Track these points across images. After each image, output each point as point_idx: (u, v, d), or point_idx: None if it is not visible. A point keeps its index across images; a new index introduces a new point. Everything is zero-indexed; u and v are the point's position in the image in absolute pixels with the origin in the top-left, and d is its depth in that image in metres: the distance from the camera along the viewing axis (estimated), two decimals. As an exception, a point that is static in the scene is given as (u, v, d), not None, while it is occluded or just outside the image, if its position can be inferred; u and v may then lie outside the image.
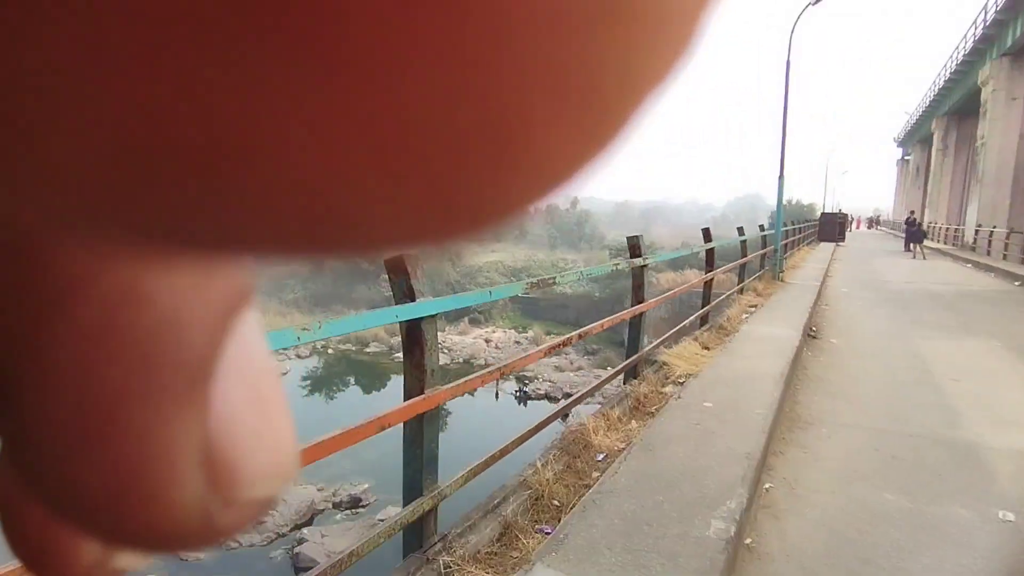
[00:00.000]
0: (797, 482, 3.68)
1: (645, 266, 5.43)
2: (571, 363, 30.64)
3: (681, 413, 4.15)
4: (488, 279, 40.14)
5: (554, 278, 3.58)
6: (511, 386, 28.00)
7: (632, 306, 5.55)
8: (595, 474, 3.48)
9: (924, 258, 20.89)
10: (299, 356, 32.35)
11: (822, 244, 24.85)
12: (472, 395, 26.84)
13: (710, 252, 8.80)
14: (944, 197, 34.06)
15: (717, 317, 8.40)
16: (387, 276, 2.67)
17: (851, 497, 3.54)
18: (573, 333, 4.33)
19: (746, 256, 11.56)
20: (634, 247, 5.49)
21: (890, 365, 6.76)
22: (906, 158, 50.31)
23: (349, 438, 2.20)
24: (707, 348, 6.48)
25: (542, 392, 26.29)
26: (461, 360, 31.65)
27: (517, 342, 34.53)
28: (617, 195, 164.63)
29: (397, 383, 21.40)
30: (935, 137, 36.12)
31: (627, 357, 5.79)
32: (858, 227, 52.48)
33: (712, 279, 8.76)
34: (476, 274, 40.44)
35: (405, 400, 2.74)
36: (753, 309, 9.16)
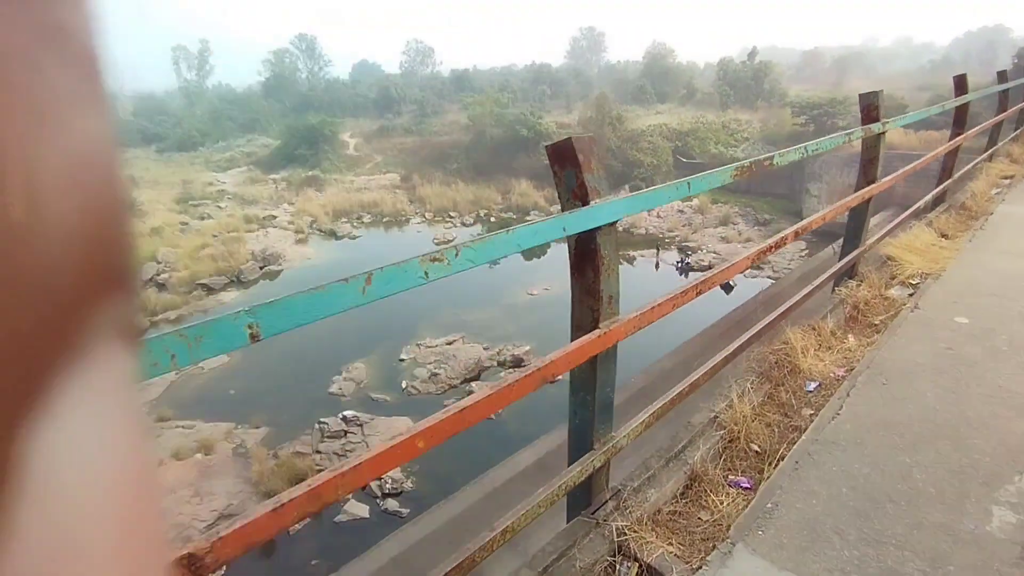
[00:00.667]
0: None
1: (883, 134, 3.96)
2: (739, 233, 28.41)
3: (922, 331, 3.06)
4: (651, 144, 37.43)
5: (772, 158, 2.51)
6: (672, 255, 26.76)
7: (860, 188, 4.14)
8: (806, 411, 2.61)
9: None
10: (464, 224, 33.47)
11: None
12: (632, 264, 26.21)
13: (962, 108, 6.56)
14: None
15: (957, 194, 6.50)
16: (550, 167, 2.00)
17: None
18: (789, 231, 3.11)
19: (1006, 111, 8.55)
20: (870, 108, 4.05)
21: None
22: None
23: (502, 398, 1.70)
24: (945, 237, 4.95)
25: (705, 264, 24.80)
26: (621, 229, 30.47)
27: (680, 211, 32.55)
28: (804, 41, 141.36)
29: (556, 249, 21.21)
30: None
31: (843, 254, 4.34)
32: None
33: (959, 145, 6.55)
34: (639, 139, 37.82)
35: (573, 338, 2.10)
36: (1007, 182, 7.10)
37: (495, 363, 17.02)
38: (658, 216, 31.99)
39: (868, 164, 4.19)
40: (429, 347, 18.05)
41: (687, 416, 2.76)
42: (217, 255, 26.67)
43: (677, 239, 28.52)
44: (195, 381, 17.04)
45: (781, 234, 3.03)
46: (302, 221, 33.49)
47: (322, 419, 14.24)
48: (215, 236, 29.85)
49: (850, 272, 4.18)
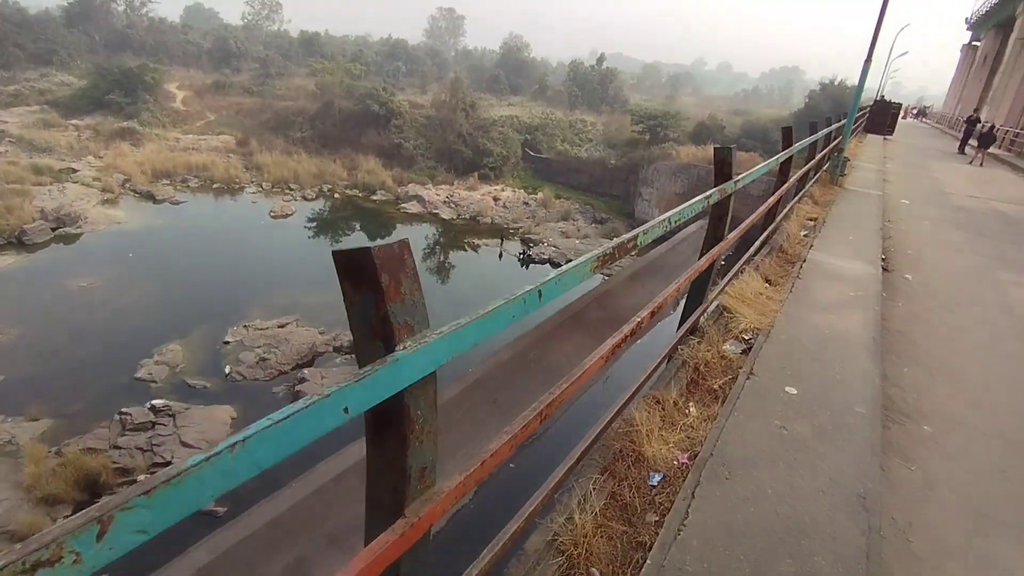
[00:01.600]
0: (913, 530, 2.66)
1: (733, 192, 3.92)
2: (578, 230, 29.94)
3: (758, 403, 3.16)
4: (502, 135, 38.01)
5: (636, 238, 2.09)
6: (515, 246, 27.50)
7: (708, 246, 4.01)
8: (651, 516, 2.46)
9: (982, 164, 18.04)
10: (305, 198, 31.51)
11: (869, 136, 21.77)
12: (476, 252, 26.49)
13: (787, 161, 6.68)
14: (1010, 94, 30.53)
15: (775, 235, 6.96)
16: (341, 288, 1.39)
17: (989, 560, 2.56)
18: (644, 312, 2.64)
19: (814, 157, 9.46)
20: (724, 164, 3.84)
21: (988, 321, 5.37)
22: (975, 44, 44.90)
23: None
24: (770, 283, 5.27)
25: (545, 257, 25.86)
26: (468, 216, 30.90)
27: (526, 203, 33.57)
28: (646, 54, 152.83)
29: (403, 232, 21.11)
30: (1017, 24, 31.50)
31: (687, 311, 4.26)
32: (903, 116, 48.61)
33: (783, 195, 6.89)
34: (490, 128, 38.21)
35: (367, 532, 1.53)
36: (812, 224, 7.73)
37: (331, 348, 16.22)
38: (504, 207, 32.68)
39: (718, 221, 4.03)
40: (259, 329, 16.67)
41: (521, 540, 2.24)
42: (-9, 210, 22.19)
43: (521, 231, 29.35)
44: (-48, 363, 14.05)
45: (640, 319, 2.64)
46: (112, 178, 29.09)
47: (124, 409, 12.49)
48: (-10, 187, 24.80)
49: (691, 328, 4.15)
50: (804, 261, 5.88)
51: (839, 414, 3.20)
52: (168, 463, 11.34)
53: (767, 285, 5.15)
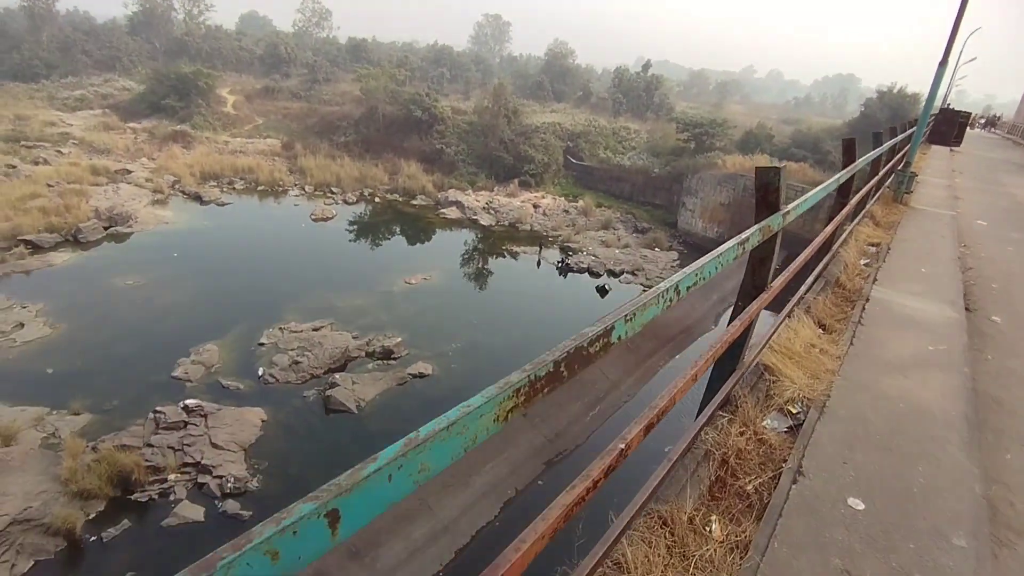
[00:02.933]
0: None
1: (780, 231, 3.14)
2: (618, 239, 29.38)
3: (809, 526, 2.31)
4: (544, 141, 37.78)
5: (659, 297, 1.71)
6: (554, 254, 27.17)
7: (747, 299, 3.23)
8: None
9: None
10: (346, 202, 31.91)
11: (933, 148, 20.20)
12: (514, 258, 26.28)
13: (848, 180, 5.74)
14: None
15: (831, 265, 5.91)
16: None
17: None
18: (659, 404, 2.06)
19: (877, 173, 8.44)
20: (768, 190, 3.10)
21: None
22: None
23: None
24: (824, 328, 4.35)
25: (584, 266, 25.44)
26: (507, 223, 30.74)
27: (566, 211, 33.20)
28: (692, 61, 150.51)
29: (442, 238, 20.96)
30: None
31: (714, 377, 3.36)
32: (971, 126, 45.92)
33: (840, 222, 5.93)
34: (532, 134, 38.02)
35: None
36: (875, 250, 6.67)
37: (363, 353, 16.20)
38: (544, 214, 32.37)
39: (759, 266, 3.19)
40: (293, 332, 16.80)
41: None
42: (50, 208, 23.17)
43: (560, 239, 29.01)
44: (1, 355, 14.60)
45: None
46: (162, 180, 30.11)
47: (159, 407, 12.70)
48: (51, 186, 25.96)
49: (721, 403, 3.26)
50: (867, 300, 4.92)
51: (928, 549, 2.27)
52: (197, 463, 11.43)
53: (821, 332, 4.23)
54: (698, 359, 2.44)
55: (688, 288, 1.99)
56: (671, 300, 1.84)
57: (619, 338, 1.61)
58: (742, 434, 2.90)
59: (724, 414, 3.09)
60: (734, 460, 2.74)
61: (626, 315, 1.64)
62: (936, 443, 2.99)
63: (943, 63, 9.26)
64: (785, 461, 2.74)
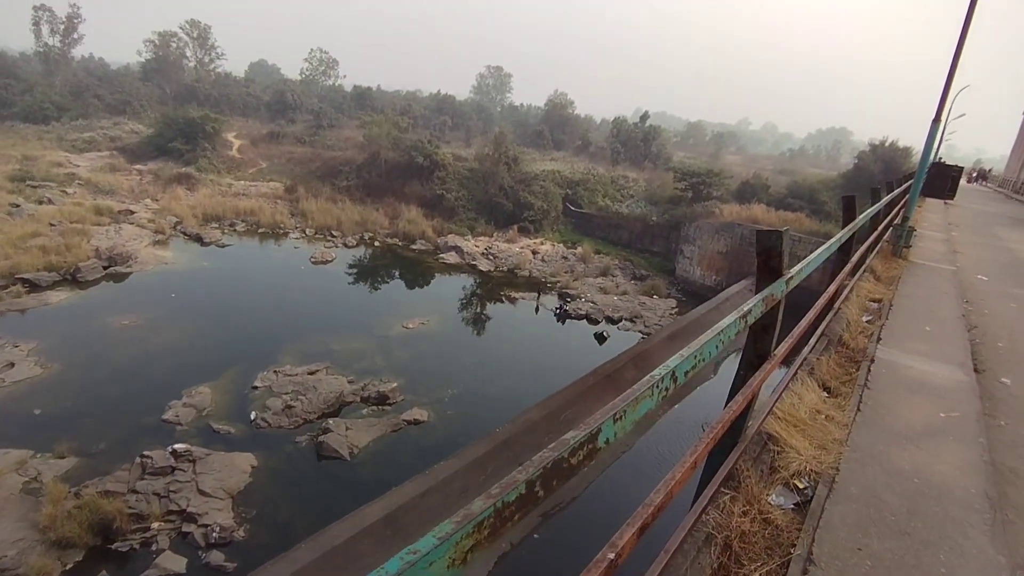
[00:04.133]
0: None
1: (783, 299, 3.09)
2: (616, 286, 29.43)
3: None
4: (543, 188, 38.34)
5: (661, 380, 1.61)
6: (552, 300, 27.13)
7: (749, 370, 3.08)
8: None
9: None
10: (346, 245, 32.10)
11: (927, 201, 20.27)
12: (512, 304, 26.27)
13: (849, 239, 5.63)
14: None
15: (832, 322, 5.80)
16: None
17: None
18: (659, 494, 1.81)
19: (876, 228, 8.23)
20: (771, 254, 2.96)
21: None
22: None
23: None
24: (829, 391, 4.22)
25: (582, 312, 25.38)
26: (505, 269, 30.84)
27: (564, 257, 33.37)
28: (690, 113, 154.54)
29: (440, 283, 20.88)
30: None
31: (712, 460, 3.19)
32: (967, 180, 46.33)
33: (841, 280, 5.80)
34: (532, 181, 38.61)
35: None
36: (877, 306, 6.59)
37: (358, 398, 15.98)
38: (543, 260, 32.54)
39: (761, 334, 3.03)
40: (288, 375, 16.61)
41: None
42: (51, 247, 23.24)
43: (558, 285, 29.05)
44: (-9, 396, 14.36)
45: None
46: (165, 221, 30.35)
47: (146, 451, 12.41)
48: (53, 225, 26.13)
49: (725, 477, 3.13)
50: (872, 361, 4.76)
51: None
52: (183, 511, 11.10)
53: (826, 396, 4.08)
54: (697, 444, 2.27)
55: (686, 374, 1.84)
56: (667, 389, 1.70)
57: (607, 442, 1.42)
58: (746, 514, 2.67)
59: (726, 491, 2.90)
60: (738, 544, 2.51)
61: (615, 414, 1.47)
62: (956, 526, 2.80)
63: (936, 120, 9.46)
64: (794, 546, 2.54)
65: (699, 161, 53.88)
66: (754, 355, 3.12)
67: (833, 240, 4.58)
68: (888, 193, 11.10)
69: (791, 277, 3.03)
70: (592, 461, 1.37)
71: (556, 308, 25.97)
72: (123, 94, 54.88)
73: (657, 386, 1.65)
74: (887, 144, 40.64)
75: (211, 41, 69.62)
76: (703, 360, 1.95)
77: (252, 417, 14.55)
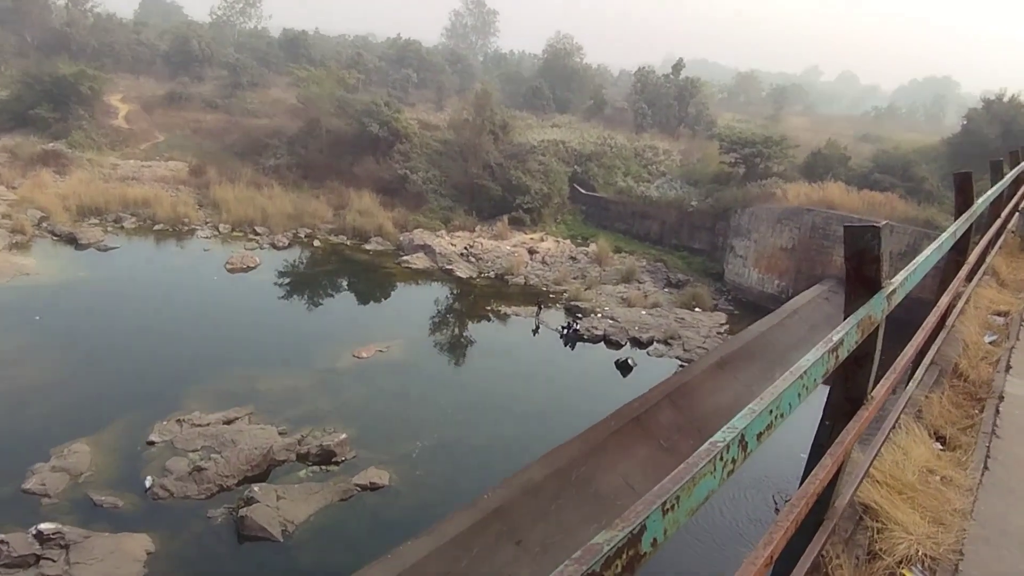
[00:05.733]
0: None
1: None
2: (644, 296, 29.56)
3: None
4: (543, 166, 38.48)
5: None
6: (557, 316, 27.20)
7: (835, 417, 3.02)
8: None
9: None
10: (275, 246, 32.10)
11: None
12: (503, 323, 26.28)
13: (967, 232, 5.48)
14: None
15: (944, 344, 5.60)
16: None
17: None
18: None
19: (999, 215, 8.18)
20: (862, 258, 2.89)
21: None
22: None
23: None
24: (943, 441, 4.11)
25: (598, 332, 25.41)
26: (493, 275, 30.90)
27: (573, 258, 33.55)
28: (740, 60, 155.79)
29: (404, 296, 20.96)
30: None
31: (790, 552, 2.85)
32: None
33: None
34: (527, 156, 38.77)
35: None
36: (1003, 321, 6.43)
37: (293, 456, 15.95)
38: (543, 262, 32.64)
39: (855, 368, 2.98)
40: (197, 425, 16.56)
41: None
42: None
43: (565, 296, 29.12)
44: None
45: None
46: (24, 216, 30.25)
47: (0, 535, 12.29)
48: None
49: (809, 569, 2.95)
50: (1001, 399, 4.54)
51: None
52: (52, 617, 10.97)
53: (940, 448, 3.93)
54: (771, 530, 2.09)
55: (759, 436, 1.75)
56: (735, 460, 1.62)
57: (654, 544, 1.31)
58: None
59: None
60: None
61: (664, 502, 1.35)
62: None
63: None
64: None
65: (753, 125, 54.33)
66: (845, 398, 3.02)
67: (946, 234, 4.33)
68: (1013, 167, 11.04)
69: (894, 290, 2.91)
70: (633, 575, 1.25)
71: (563, 327, 26.01)
72: (-33, 44, 54.68)
73: (721, 457, 1.56)
74: (1007, 99, 41.11)
75: (86, -29, 69.63)
76: (781, 415, 1.88)
77: (147, 484, 14.48)
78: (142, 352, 20.43)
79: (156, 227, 32.62)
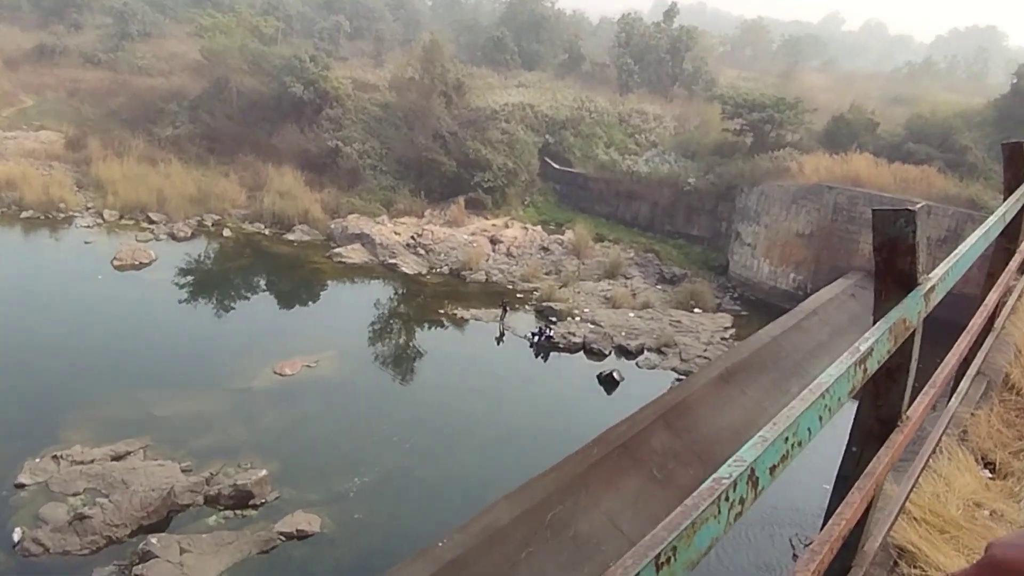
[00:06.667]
0: None
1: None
2: (633, 294, 29.82)
3: None
4: (507, 135, 38.54)
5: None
6: (526, 321, 27.32)
7: (863, 443, 3.06)
8: None
9: None
10: (174, 236, 31.79)
11: None
12: (460, 330, 26.34)
13: (1017, 216, 5.57)
14: None
15: (991, 349, 5.65)
16: None
17: None
18: None
19: None
20: (895, 247, 2.87)
21: None
22: None
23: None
24: (992, 468, 4.19)
25: (576, 340, 25.53)
26: (447, 270, 30.94)
27: (545, 248, 33.71)
28: (745, 6, 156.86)
29: (337, 297, 21.08)
30: None
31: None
32: None
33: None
34: (488, 123, 38.78)
35: None
36: None
37: (201, 498, 15.84)
38: (509, 254, 32.71)
39: (888, 383, 3.02)
40: (78, 462, 16.40)
41: None
42: None
43: (536, 295, 29.22)
44: None
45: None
46: None
47: None
48: None
49: None
50: None
51: None
52: None
53: (988, 476, 4.01)
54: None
55: (771, 469, 1.73)
56: (743, 501, 1.61)
57: None
58: None
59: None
60: None
61: (658, 555, 1.35)
62: None
63: None
64: None
65: (762, 84, 54.89)
66: (875, 419, 3.03)
67: (994, 217, 4.36)
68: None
69: (933, 287, 2.92)
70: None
71: (532, 334, 26.12)
72: None
73: (726, 497, 1.54)
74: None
75: None
76: (799, 443, 1.87)
77: (16, 538, 14.34)
78: (7, 372, 20.11)
79: (23, 214, 32.11)
